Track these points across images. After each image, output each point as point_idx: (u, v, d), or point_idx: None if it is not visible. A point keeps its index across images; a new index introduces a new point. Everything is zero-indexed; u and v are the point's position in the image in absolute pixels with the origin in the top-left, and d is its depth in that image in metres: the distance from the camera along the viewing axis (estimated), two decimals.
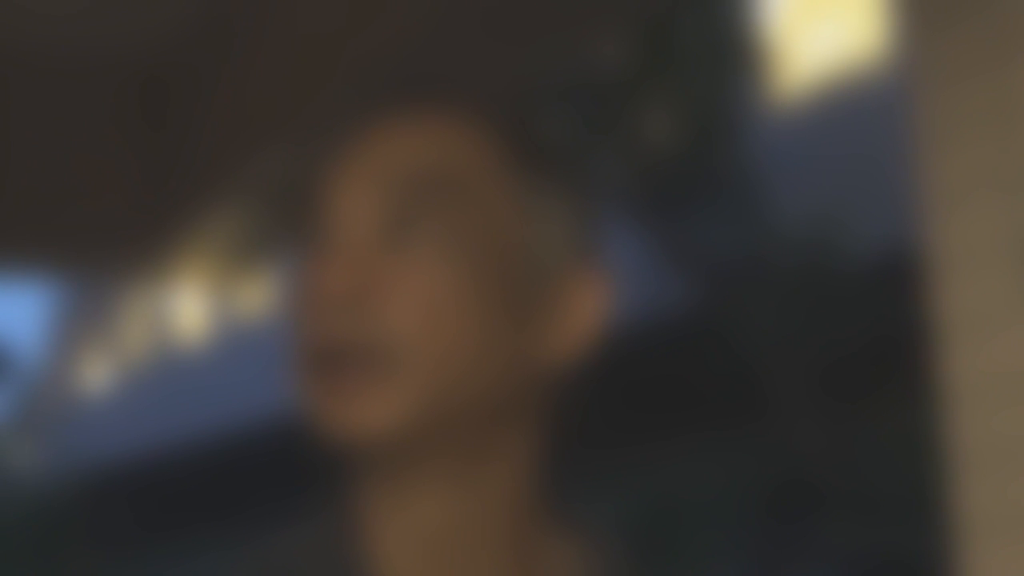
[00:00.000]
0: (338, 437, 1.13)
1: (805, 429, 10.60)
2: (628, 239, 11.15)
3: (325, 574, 1.16)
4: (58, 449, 18.89)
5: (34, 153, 3.42)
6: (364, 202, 1.16)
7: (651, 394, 11.82)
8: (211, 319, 19.31)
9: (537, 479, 1.19)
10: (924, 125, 2.41)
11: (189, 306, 19.50)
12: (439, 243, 1.14)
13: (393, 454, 1.13)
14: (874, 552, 10.30)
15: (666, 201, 10.96)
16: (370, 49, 2.78)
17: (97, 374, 20.51)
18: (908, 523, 9.80)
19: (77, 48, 3.39)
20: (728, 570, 11.15)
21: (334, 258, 1.15)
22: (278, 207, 3.26)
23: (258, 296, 18.43)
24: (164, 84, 3.45)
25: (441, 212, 1.15)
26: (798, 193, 11.54)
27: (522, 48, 2.68)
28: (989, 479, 2.33)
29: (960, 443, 2.37)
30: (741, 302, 10.77)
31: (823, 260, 10.78)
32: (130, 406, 19.71)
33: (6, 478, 16.30)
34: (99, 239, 3.62)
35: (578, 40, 2.77)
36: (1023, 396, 2.27)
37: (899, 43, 2.50)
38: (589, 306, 1.18)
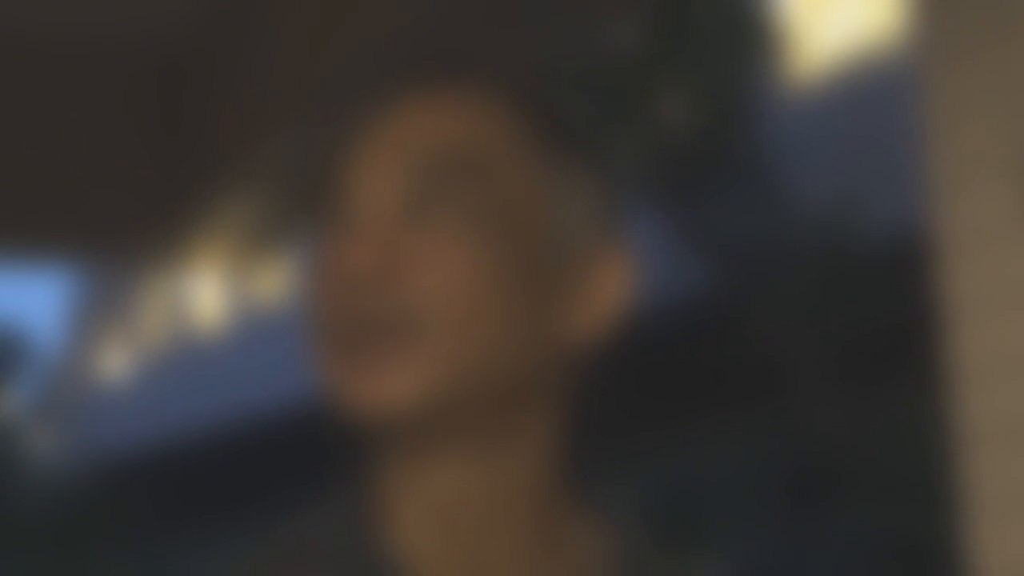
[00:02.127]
0: (360, 412, 1.14)
1: (823, 411, 10.59)
2: (645, 222, 11.14)
3: (346, 551, 1.17)
4: (78, 436, 18.93)
5: (51, 141, 3.44)
6: (387, 179, 1.16)
7: (669, 378, 11.81)
8: (229, 304, 19.32)
9: (558, 459, 1.19)
10: (934, 106, 2.41)
11: (207, 292, 19.51)
12: (462, 220, 1.14)
13: (415, 430, 1.14)
14: (890, 533, 10.30)
15: (682, 184, 10.95)
16: (387, 30, 2.79)
17: (116, 361, 20.52)
18: (924, 504, 9.80)
19: (93, 35, 3.40)
20: (747, 551, 11.15)
21: (358, 235, 1.15)
22: (298, 187, 3.26)
23: (276, 281, 18.43)
24: (180, 70, 3.46)
25: (464, 190, 1.15)
26: (814, 175, 11.52)
27: (540, 29, 2.69)
28: (997, 458, 2.34)
29: (969, 422, 2.38)
30: (758, 284, 10.76)
31: (840, 242, 10.75)
32: (149, 392, 19.73)
33: (27, 465, 16.34)
34: (117, 226, 3.63)
35: (595, 23, 2.77)
36: None
37: (911, 24, 2.51)
38: (612, 286, 1.18)
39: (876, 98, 11.78)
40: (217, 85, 3.40)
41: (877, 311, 10.51)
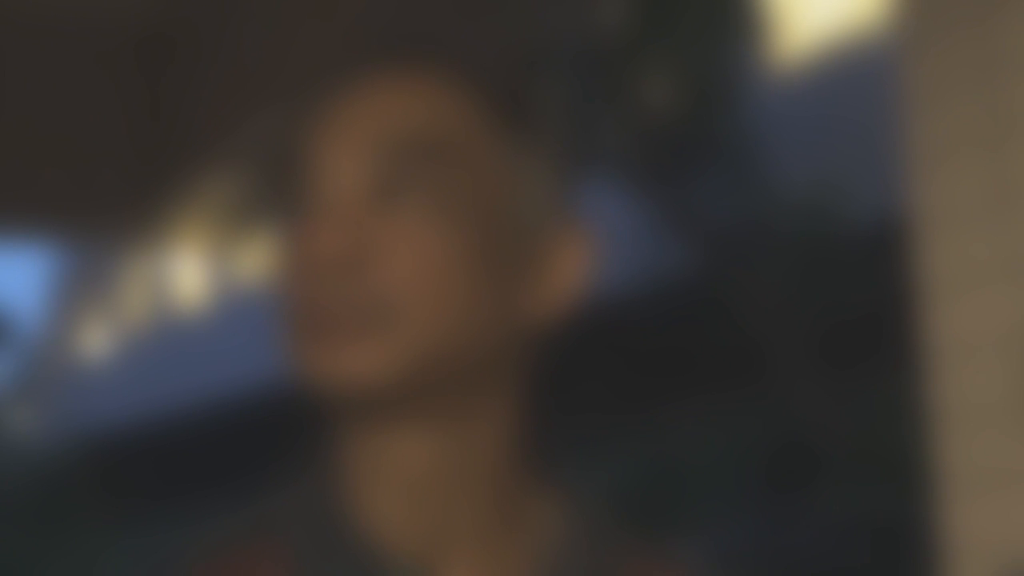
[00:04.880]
0: (329, 389, 1.16)
1: (802, 393, 10.61)
2: (627, 204, 11.15)
3: (313, 525, 1.18)
4: (59, 414, 18.90)
5: (29, 119, 3.43)
6: (355, 162, 1.17)
7: (649, 359, 11.83)
8: (210, 283, 19.30)
9: (521, 436, 1.21)
10: (912, 88, 2.42)
11: (188, 270, 19.49)
12: (429, 203, 1.16)
13: (382, 406, 1.16)
14: (869, 514, 10.33)
15: (664, 166, 10.95)
16: (364, 11, 2.79)
17: (97, 339, 20.50)
18: (902, 485, 9.84)
19: (70, 10, 3.40)
20: (726, 532, 11.19)
21: (325, 219, 1.16)
22: (271, 169, 3.26)
23: (256, 260, 18.41)
24: (160, 46, 3.46)
25: (430, 173, 1.16)
26: (796, 158, 11.53)
27: (512, 11, 2.69)
28: (973, 439, 2.36)
29: (945, 404, 2.39)
30: (739, 266, 10.77)
31: (820, 225, 10.77)
32: (130, 371, 19.71)
33: (7, 444, 16.32)
34: (97, 204, 3.63)
35: (578, 5, 2.78)
36: (1007, 355, 2.29)
37: (891, 7, 2.52)
38: (573, 265, 1.20)
39: (857, 81, 11.80)
40: (198, 62, 3.40)
41: (857, 293, 10.53)
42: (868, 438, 10.47)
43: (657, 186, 10.99)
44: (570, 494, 1.25)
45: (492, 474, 1.20)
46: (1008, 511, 2.30)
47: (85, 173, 3.57)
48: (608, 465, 11.02)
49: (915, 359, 2.45)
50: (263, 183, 3.43)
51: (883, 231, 10.22)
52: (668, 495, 11.71)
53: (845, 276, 10.65)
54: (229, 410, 17.76)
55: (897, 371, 9.79)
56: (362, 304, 1.15)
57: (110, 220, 3.73)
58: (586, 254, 1.22)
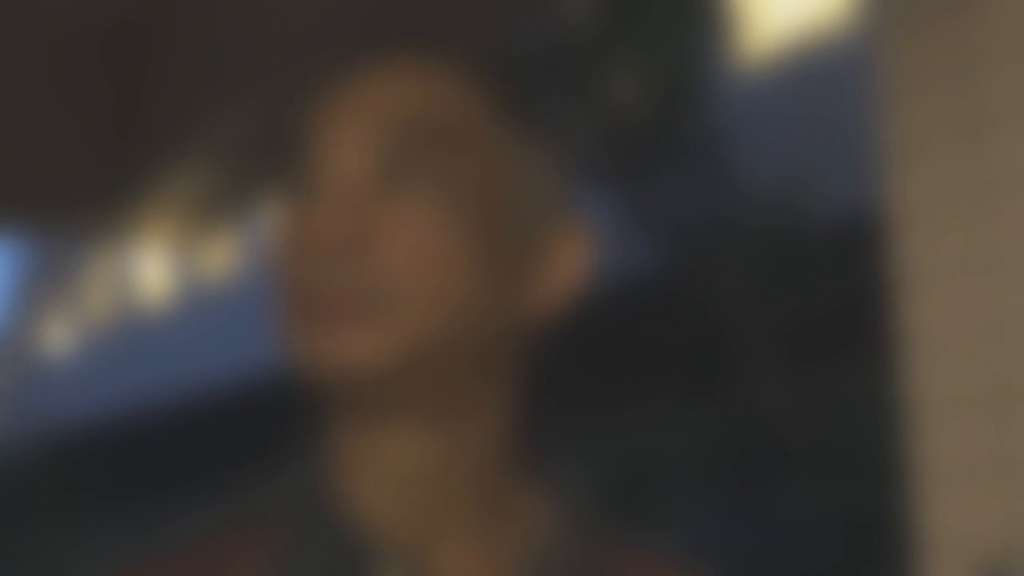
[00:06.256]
0: (322, 377, 1.15)
1: (773, 388, 10.64)
2: (596, 201, 11.17)
3: (303, 515, 1.18)
4: (25, 409, 18.83)
5: None
6: (358, 147, 1.16)
7: (620, 354, 11.85)
8: (177, 277, 19.26)
9: (513, 430, 1.21)
10: (885, 83, 2.41)
11: (155, 264, 19.44)
12: (431, 190, 1.15)
13: (375, 396, 1.15)
14: (840, 508, 10.37)
15: (633, 164, 10.97)
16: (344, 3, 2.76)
17: (63, 334, 20.43)
18: (873, 480, 9.87)
19: (36, 1, 3.36)
20: (697, 526, 11.21)
21: (326, 204, 1.15)
22: (255, 155, 3.25)
23: (225, 254, 18.38)
24: (125, 39, 3.43)
25: (433, 159, 1.15)
26: (766, 155, 11.56)
27: (493, 6, 2.68)
28: (946, 433, 2.35)
29: (918, 398, 2.38)
30: (709, 263, 10.79)
31: (790, 222, 10.81)
32: (97, 365, 19.66)
33: None
34: (62, 199, 3.60)
35: (547, 2, 2.77)
36: (980, 350, 2.29)
37: (860, 4, 2.50)
38: (572, 259, 1.20)
39: (826, 77, 11.83)
40: (166, 54, 3.37)
41: (828, 289, 10.57)
42: (838, 432, 10.50)
43: (627, 183, 11.00)
44: (560, 488, 1.25)
45: (483, 467, 1.19)
46: (982, 505, 2.30)
47: (49, 168, 3.54)
48: (581, 458, 10.99)
49: (887, 353, 2.44)
50: (242, 172, 3.41)
51: (853, 226, 10.24)
52: (638, 490, 11.73)
53: (816, 272, 10.68)
54: (195, 405, 17.73)
55: (868, 365, 9.82)
56: (360, 290, 1.14)
57: (75, 215, 3.71)
58: (584, 249, 1.21)
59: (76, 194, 3.68)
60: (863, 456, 10.11)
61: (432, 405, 1.17)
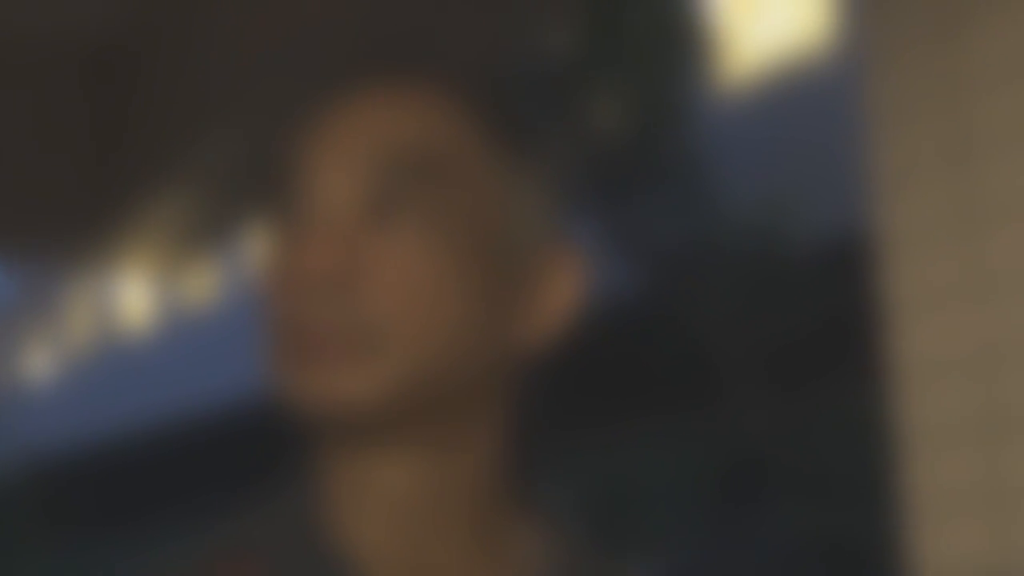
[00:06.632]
0: (314, 411, 1.13)
1: (756, 412, 10.65)
2: (579, 225, 11.14)
3: (292, 547, 1.16)
4: (5, 434, 18.77)
5: None
6: (346, 179, 1.14)
7: (603, 378, 11.85)
8: (159, 304, 19.22)
9: (504, 459, 1.19)
10: (873, 107, 2.41)
11: (136, 291, 19.41)
12: (422, 222, 1.13)
13: (366, 427, 1.13)
14: (823, 531, 10.36)
15: (617, 188, 10.98)
16: (326, 24, 2.76)
17: (45, 360, 20.38)
18: (860, 504, 9.87)
19: (16, 29, 3.35)
20: (682, 549, 11.20)
21: (316, 236, 1.13)
22: (238, 183, 3.24)
23: (207, 281, 18.35)
24: (110, 60, 3.42)
25: (423, 191, 1.13)
26: (749, 179, 11.57)
27: (485, 28, 2.67)
28: (938, 456, 2.34)
29: (909, 421, 2.37)
30: (692, 287, 10.80)
31: (773, 245, 10.82)
32: (78, 391, 19.62)
33: None
34: (45, 222, 3.59)
35: (529, 27, 2.76)
36: (969, 376, 2.28)
37: (846, 29, 2.50)
38: (565, 288, 1.18)
39: (811, 102, 11.85)
40: (148, 79, 3.36)
41: (812, 312, 10.58)
42: (823, 457, 10.50)
43: (610, 207, 11.01)
44: (548, 517, 1.24)
45: (473, 497, 1.18)
46: (971, 532, 2.29)
47: (31, 194, 3.53)
48: (563, 483, 11.00)
49: (872, 377, 2.43)
50: (224, 200, 3.40)
51: (838, 250, 10.25)
52: (621, 513, 11.72)
53: (800, 295, 10.70)
54: (176, 433, 17.68)
55: (853, 390, 9.83)
56: (350, 325, 1.13)
57: (56, 240, 3.69)
58: (577, 278, 1.20)
59: (58, 220, 3.66)
60: (847, 481, 10.11)
61: (422, 436, 1.15)
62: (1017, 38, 2.23)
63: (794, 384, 10.62)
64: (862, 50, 2.46)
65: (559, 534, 1.22)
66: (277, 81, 2.72)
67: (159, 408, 18.08)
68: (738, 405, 10.77)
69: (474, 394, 1.16)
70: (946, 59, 2.37)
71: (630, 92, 11.03)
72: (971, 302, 2.31)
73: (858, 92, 2.48)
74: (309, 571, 1.16)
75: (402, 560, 1.17)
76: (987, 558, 2.29)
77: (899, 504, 2.41)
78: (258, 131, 2.92)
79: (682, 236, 10.99)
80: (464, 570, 1.17)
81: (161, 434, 18.05)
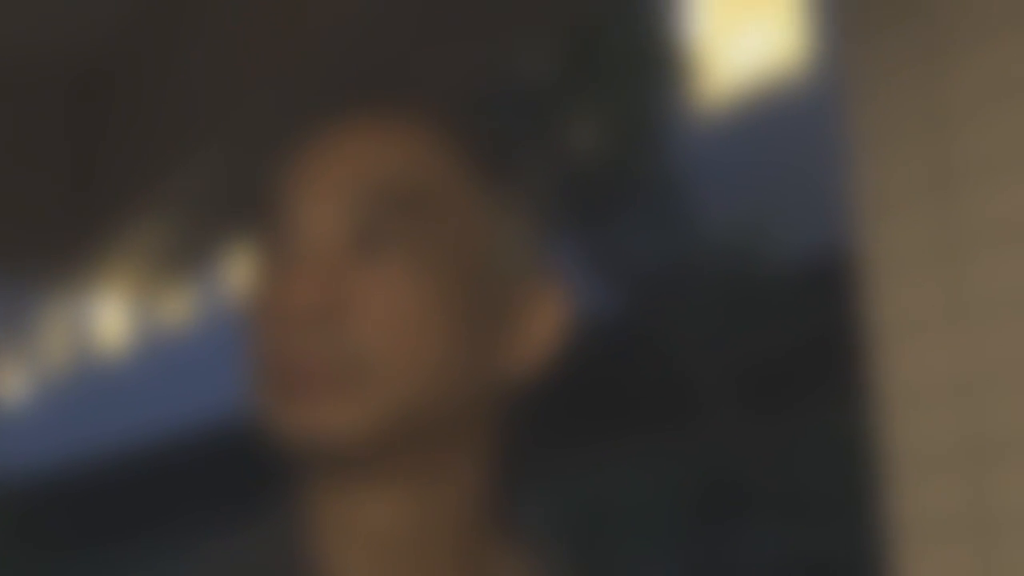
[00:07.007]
0: (298, 444, 1.12)
1: (735, 433, 10.65)
2: (559, 248, 11.12)
3: (274, 573, 1.15)
4: None
5: None
6: (331, 212, 1.13)
7: (581, 400, 11.84)
8: (137, 326, 19.18)
9: (488, 490, 1.19)
10: (853, 131, 2.41)
11: (114, 314, 19.36)
12: (406, 256, 1.13)
13: (351, 460, 1.13)
14: (804, 554, 10.36)
15: (594, 209, 10.98)
16: (306, 53, 2.75)
17: (21, 382, 20.32)
18: (838, 525, 9.87)
19: (3, 47, 3.34)
20: (660, 571, 11.19)
21: (300, 269, 1.13)
22: (224, 206, 3.24)
23: (185, 305, 18.31)
24: (90, 84, 3.41)
25: (408, 224, 1.13)
26: (729, 201, 11.59)
27: (465, 54, 2.67)
28: (920, 482, 2.34)
29: (892, 446, 2.37)
30: (670, 309, 10.80)
31: (751, 267, 10.83)
32: (54, 413, 19.56)
33: None
34: (22, 245, 3.57)
35: (505, 49, 2.77)
36: (951, 400, 2.27)
37: (827, 51, 2.50)
38: (549, 318, 1.18)
39: (790, 124, 11.88)
40: (127, 103, 3.35)
41: (791, 334, 10.59)
42: (801, 479, 10.51)
43: (587, 229, 11.01)
44: (532, 546, 1.23)
45: (458, 530, 1.17)
46: (955, 558, 2.28)
47: (8, 216, 3.52)
48: (542, 506, 10.96)
49: (852, 400, 2.43)
50: (204, 224, 3.39)
51: (817, 272, 10.27)
52: (600, 535, 11.71)
53: (779, 317, 10.71)
54: (151, 455, 17.64)
55: (833, 412, 9.83)
56: (335, 359, 1.12)
57: (33, 264, 3.68)
58: (561, 309, 1.19)
59: (37, 242, 3.65)
60: (827, 504, 10.11)
61: (407, 468, 1.14)
62: (999, 63, 2.23)
63: (774, 407, 10.62)
64: (843, 72, 2.46)
65: (543, 561, 1.22)
66: (259, 108, 2.71)
67: (136, 432, 18.03)
68: (718, 428, 10.77)
69: (459, 425, 1.16)
70: (928, 82, 2.37)
71: (611, 115, 11.05)
72: (953, 326, 2.31)
73: (838, 114, 2.48)
74: None
75: None
76: None
77: (881, 528, 2.40)
78: (239, 157, 2.91)
79: (662, 258, 11.00)
80: None
81: (138, 458, 18.00)
